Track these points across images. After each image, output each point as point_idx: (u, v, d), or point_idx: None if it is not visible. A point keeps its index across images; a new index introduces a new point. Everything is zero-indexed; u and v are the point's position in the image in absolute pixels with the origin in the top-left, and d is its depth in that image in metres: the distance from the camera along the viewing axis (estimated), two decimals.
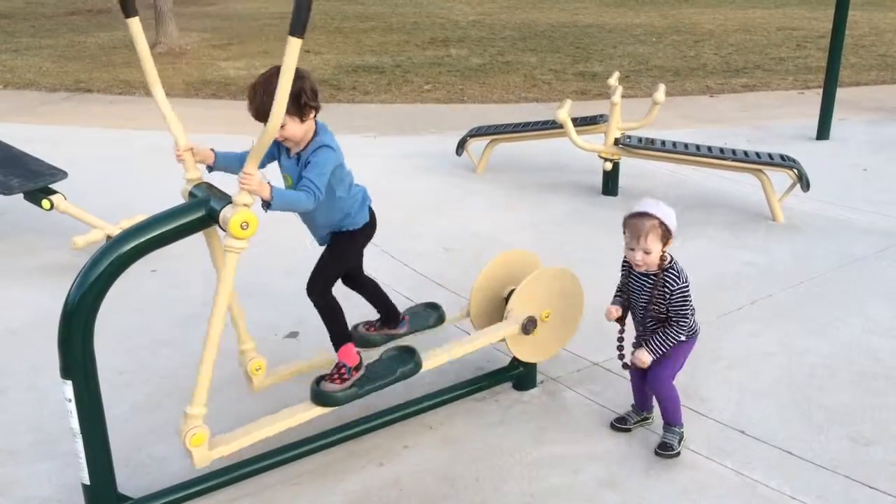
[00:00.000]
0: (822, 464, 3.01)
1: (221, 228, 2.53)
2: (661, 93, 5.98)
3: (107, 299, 2.46)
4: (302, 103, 2.64)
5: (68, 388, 2.47)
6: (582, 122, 6.20)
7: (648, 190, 6.21)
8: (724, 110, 9.08)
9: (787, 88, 10.16)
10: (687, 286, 2.94)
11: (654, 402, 3.19)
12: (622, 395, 3.38)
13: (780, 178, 5.64)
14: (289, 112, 2.58)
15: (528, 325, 3.31)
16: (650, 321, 3.01)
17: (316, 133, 2.76)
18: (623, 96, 5.97)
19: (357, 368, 2.98)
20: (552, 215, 5.75)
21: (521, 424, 3.29)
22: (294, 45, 2.21)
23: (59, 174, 4.93)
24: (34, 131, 7.74)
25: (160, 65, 10.45)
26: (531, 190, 6.28)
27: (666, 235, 2.91)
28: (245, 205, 2.46)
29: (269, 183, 2.53)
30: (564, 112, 5.81)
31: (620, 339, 3.11)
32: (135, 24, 2.64)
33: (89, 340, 2.46)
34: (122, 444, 2.90)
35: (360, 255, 3.19)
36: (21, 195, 4.79)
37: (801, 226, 5.47)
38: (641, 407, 3.25)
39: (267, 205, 2.56)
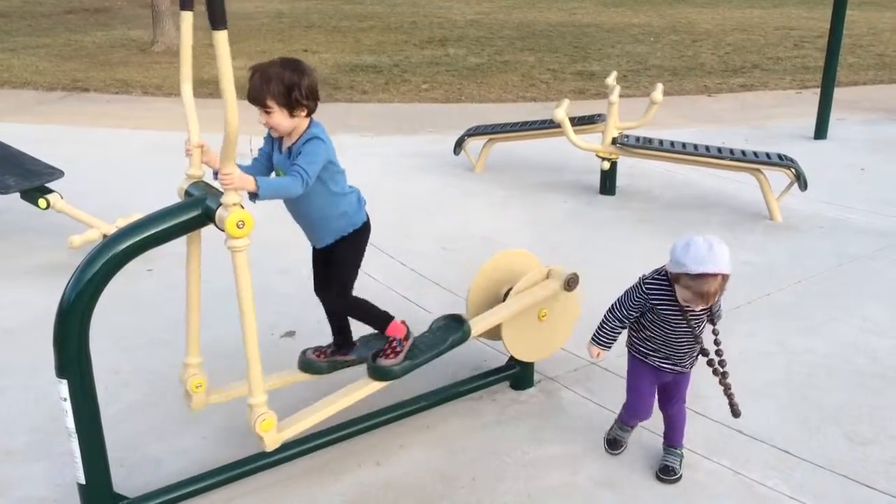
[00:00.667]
0: (819, 463, 3.01)
1: (219, 228, 2.52)
2: (658, 92, 5.99)
3: (102, 298, 2.45)
4: (293, 98, 2.63)
5: (63, 387, 2.46)
6: (580, 122, 6.20)
7: (646, 189, 6.22)
8: (722, 110, 9.08)
9: (785, 88, 10.18)
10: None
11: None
12: (619, 395, 3.36)
13: (778, 178, 5.64)
14: (279, 103, 2.60)
15: (572, 282, 3.38)
16: (694, 348, 2.85)
17: (308, 126, 2.75)
18: (621, 96, 5.98)
19: (406, 338, 3.06)
20: (550, 215, 5.75)
21: (519, 424, 3.28)
22: (220, 38, 2.22)
23: (56, 173, 4.92)
24: (31, 130, 7.71)
25: (158, 64, 10.53)
26: (529, 189, 6.28)
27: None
28: (235, 204, 2.44)
29: (251, 175, 2.52)
30: (562, 111, 5.81)
31: (728, 387, 2.85)
32: (188, 17, 2.66)
33: (85, 340, 2.45)
34: (118, 444, 2.89)
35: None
36: (17, 194, 4.78)
37: (799, 225, 5.47)
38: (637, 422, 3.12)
39: (255, 196, 2.55)
